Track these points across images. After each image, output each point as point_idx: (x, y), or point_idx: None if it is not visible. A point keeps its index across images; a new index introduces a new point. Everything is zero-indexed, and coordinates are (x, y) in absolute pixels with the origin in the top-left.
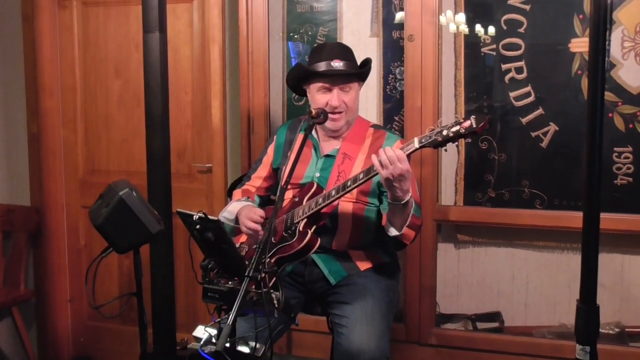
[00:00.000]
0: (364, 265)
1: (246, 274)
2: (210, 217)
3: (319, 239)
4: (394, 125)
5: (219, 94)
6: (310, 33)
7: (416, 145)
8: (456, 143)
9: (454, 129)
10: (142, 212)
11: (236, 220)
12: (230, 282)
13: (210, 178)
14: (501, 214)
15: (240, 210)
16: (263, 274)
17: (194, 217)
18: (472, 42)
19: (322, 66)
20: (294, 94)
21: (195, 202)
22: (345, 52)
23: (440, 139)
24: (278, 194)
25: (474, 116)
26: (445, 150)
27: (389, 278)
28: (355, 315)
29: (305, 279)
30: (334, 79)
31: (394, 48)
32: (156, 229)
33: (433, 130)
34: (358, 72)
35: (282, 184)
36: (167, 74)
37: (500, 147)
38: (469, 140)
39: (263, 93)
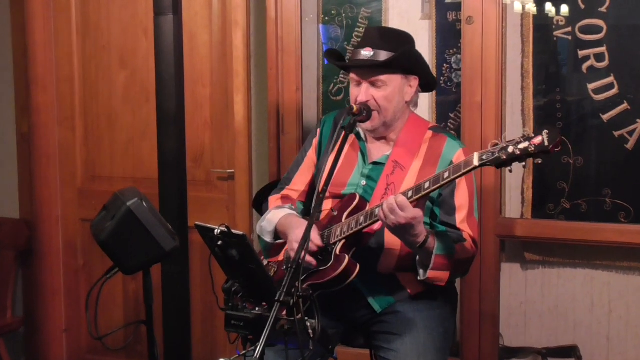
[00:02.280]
0: (414, 289)
1: (276, 298)
2: (234, 231)
3: (358, 265)
4: (448, 124)
5: (242, 87)
6: (350, 15)
7: (476, 162)
8: (523, 163)
9: (522, 145)
10: (154, 226)
11: (274, 231)
12: (257, 308)
13: (232, 186)
14: (578, 228)
15: (284, 221)
16: (296, 299)
17: (216, 231)
18: (542, 25)
19: (354, 54)
20: (330, 87)
21: (215, 214)
22: (385, 38)
23: (504, 157)
24: (314, 204)
25: (547, 131)
26: (510, 171)
27: (444, 305)
28: (404, 348)
29: (345, 305)
30: (363, 71)
31: (449, 32)
32: (170, 245)
33: (496, 145)
34: (385, 63)
35: (319, 190)
36: (182, 63)
37: (576, 149)
38: (539, 160)
39: (295, 86)
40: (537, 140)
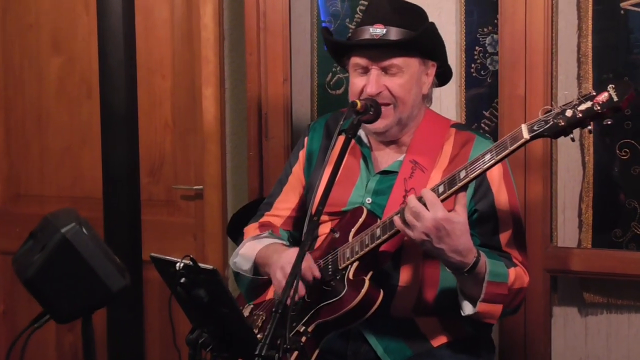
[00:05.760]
0: (438, 341)
1: (257, 352)
2: (201, 265)
3: (382, 291)
4: (482, 126)
5: (213, 78)
6: None
7: (525, 135)
8: (589, 128)
9: (583, 106)
10: (97, 259)
11: (254, 268)
12: None
13: (200, 207)
14: None
15: (265, 252)
16: (283, 352)
17: (177, 265)
18: None
19: (358, 33)
20: (328, 77)
21: (178, 243)
22: (399, 13)
23: (563, 123)
24: (305, 227)
25: (613, 85)
26: (573, 139)
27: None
28: None
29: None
30: (373, 54)
31: (483, 4)
32: (118, 284)
33: (550, 111)
34: (404, 43)
35: (312, 212)
36: (133, 47)
37: None
38: (609, 122)
39: (282, 77)
40: (603, 97)
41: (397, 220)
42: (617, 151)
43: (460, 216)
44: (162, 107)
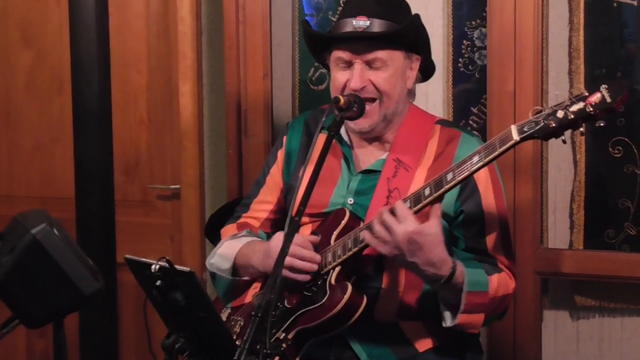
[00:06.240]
0: (423, 345)
1: (235, 357)
2: (178, 267)
3: (365, 297)
4: (470, 123)
5: (190, 74)
6: None
7: (515, 136)
8: (581, 129)
9: (575, 107)
10: (69, 262)
11: (233, 268)
12: None
13: (177, 207)
14: None
15: (245, 250)
16: (263, 358)
17: (153, 267)
18: None
19: (340, 26)
20: (310, 72)
21: (154, 245)
22: (383, 4)
23: (554, 124)
24: (286, 229)
25: (606, 85)
26: (564, 141)
27: None
28: None
29: None
30: (357, 47)
31: None
32: (91, 287)
33: (541, 112)
34: (388, 35)
35: (293, 213)
36: (107, 41)
37: None
38: (601, 123)
39: (262, 72)
40: (595, 97)
41: (367, 234)
42: (610, 149)
43: (432, 228)
44: (137, 104)
